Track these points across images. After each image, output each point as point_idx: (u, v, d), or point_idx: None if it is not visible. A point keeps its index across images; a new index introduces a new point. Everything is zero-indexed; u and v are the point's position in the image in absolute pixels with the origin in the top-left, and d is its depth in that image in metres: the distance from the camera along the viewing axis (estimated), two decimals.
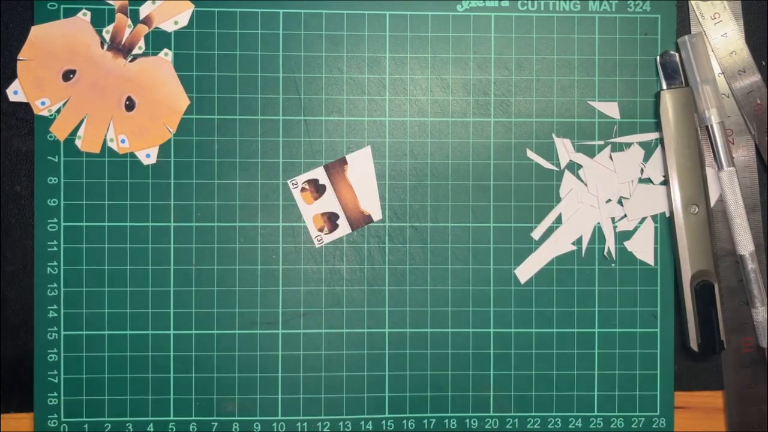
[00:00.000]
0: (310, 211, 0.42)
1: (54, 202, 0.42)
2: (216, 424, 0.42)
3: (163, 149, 0.42)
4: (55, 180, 0.42)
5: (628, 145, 0.43)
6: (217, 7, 0.42)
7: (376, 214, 0.43)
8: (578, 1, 0.43)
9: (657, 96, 0.43)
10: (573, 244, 0.43)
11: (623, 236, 0.43)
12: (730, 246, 0.43)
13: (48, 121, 0.42)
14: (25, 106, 0.42)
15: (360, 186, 0.42)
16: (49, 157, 0.42)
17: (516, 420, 0.43)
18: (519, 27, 0.43)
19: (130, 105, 0.42)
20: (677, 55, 0.42)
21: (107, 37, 0.42)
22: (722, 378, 0.44)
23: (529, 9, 0.43)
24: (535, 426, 0.43)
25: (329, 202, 0.42)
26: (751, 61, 0.43)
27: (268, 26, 0.42)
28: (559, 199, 0.43)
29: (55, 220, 0.42)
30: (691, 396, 0.44)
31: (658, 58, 0.43)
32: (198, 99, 0.42)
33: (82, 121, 0.42)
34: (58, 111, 0.41)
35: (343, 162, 0.42)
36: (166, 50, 0.42)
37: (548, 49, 0.43)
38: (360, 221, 0.42)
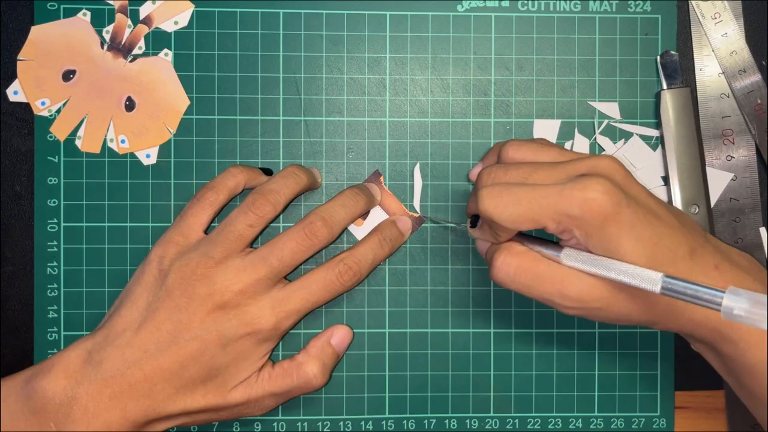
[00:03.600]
0: (363, 232, 0.42)
1: (54, 202, 0.42)
2: (216, 424, 0.42)
3: (163, 149, 0.42)
4: (55, 180, 0.42)
5: (627, 142, 0.43)
6: (217, 7, 0.42)
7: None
8: (578, 2, 0.43)
9: (657, 96, 0.43)
10: None
11: None
12: (730, 245, 0.43)
13: (48, 121, 0.41)
14: (25, 106, 0.42)
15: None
16: (49, 157, 0.42)
17: (516, 420, 0.43)
18: (519, 27, 0.43)
19: (130, 105, 0.42)
20: (677, 55, 0.42)
21: (107, 37, 0.42)
22: (722, 378, 0.44)
23: (530, 9, 0.43)
24: (536, 426, 0.43)
25: (379, 218, 0.43)
26: (751, 61, 0.43)
27: (268, 26, 0.42)
28: None
29: (55, 221, 0.42)
30: (691, 396, 0.44)
31: (658, 58, 0.43)
32: (198, 99, 0.42)
33: (82, 121, 0.42)
34: (58, 111, 0.41)
35: (378, 174, 0.42)
36: (166, 50, 0.42)
37: (549, 50, 0.43)
38: (415, 225, 0.43)
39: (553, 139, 0.43)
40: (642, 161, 0.43)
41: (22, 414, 0.35)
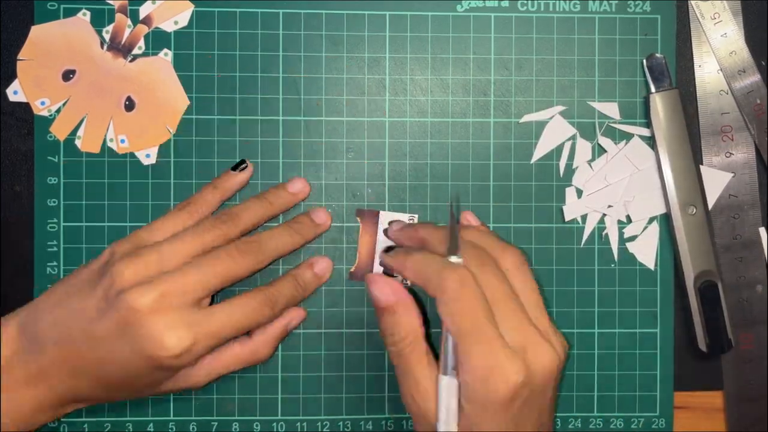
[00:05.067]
0: None
1: (54, 202, 0.42)
2: (216, 424, 0.42)
3: (163, 149, 0.42)
4: (55, 180, 0.42)
5: (629, 143, 0.43)
6: (217, 7, 0.42)
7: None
8: (578, 2, 0.43)
9: (646, 99, 0.42)
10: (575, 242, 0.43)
11: (627, 237, 0.43)
12: (729, 242, 0.43)
13: (48, 121, 0.42)
14: (25, 106, 0.42)
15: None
16: (49, 157, 0.42)
17: None
18: (519, 27, 0.43)
19: (129, 105, 0.42)
20: (664, 57, 0.42)
21: (107, 37, 0.42)
22: (722, 378, 0.44)
23: (529, 9, 0.43)
24: None
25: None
26: (751, 61, 0.43)
27: (268, 26, 0.42)
28: (560, 199, 0.43)
29: (55, 220, 0.42)
30: (691, 396, 0.44)
31: (644, 61, 0.43)
32: (198, 99, 0.42)
33: (82, 121, 0.42)
34: (58, 111, 0.41)
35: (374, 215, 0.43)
36: (165, 50, 0.42)
37: (548, 50, 0.43)
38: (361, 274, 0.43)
39: (557, 137, 0.43)
40: (643, 162, 0.43)
41: None
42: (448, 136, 0.43)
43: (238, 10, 0.42)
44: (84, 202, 0.42)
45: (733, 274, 0.43)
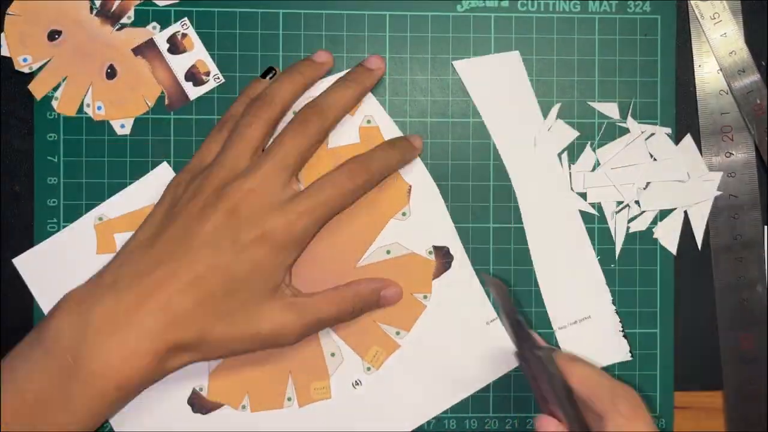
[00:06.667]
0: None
1: (54, 202, 0.42)
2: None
3: (163, 149, 0.42)
4: (54, 180, 0.42)
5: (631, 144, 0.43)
6: (217, 7, 0.42)
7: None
8: (578, 2, 0.43)
9: None
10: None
11: (631, 236, 0.43)
12: (729, 242, 0.43)
13: (48, 120, 0.41)
14: (25, 106, 0.41)
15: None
16: (48, 157, 0.42)
17: (516, 420, 0.43)
18: (519, 27, 0.43)
19: (111, 73, 0.42)
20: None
21: (98, 3, 0.41)
22: (722, 378, 0.44)
23: (529, 9, 0.43)
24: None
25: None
26: (750, 61, 0.43)
27: (268, 26, 0.42)
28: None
29: (55, 220, 0.42)
30: (691, 396, 0.44)
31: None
32: (198, 98, 0.42)
33: (61, 83, 0.41)
34: (40, 69, 0.41)
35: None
36: (154, 23, 0.42)
37: (548, 50, 0.43)
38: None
39: (557, 137, 0.43)
40: (662, 155, 0.43)
41: (37, 362, 0.34)
42: (448, 136, 0.43)
43: (238, 10, 0.42)
44: (84, 203, 0.42)
45: (733, 274, 0.43)
